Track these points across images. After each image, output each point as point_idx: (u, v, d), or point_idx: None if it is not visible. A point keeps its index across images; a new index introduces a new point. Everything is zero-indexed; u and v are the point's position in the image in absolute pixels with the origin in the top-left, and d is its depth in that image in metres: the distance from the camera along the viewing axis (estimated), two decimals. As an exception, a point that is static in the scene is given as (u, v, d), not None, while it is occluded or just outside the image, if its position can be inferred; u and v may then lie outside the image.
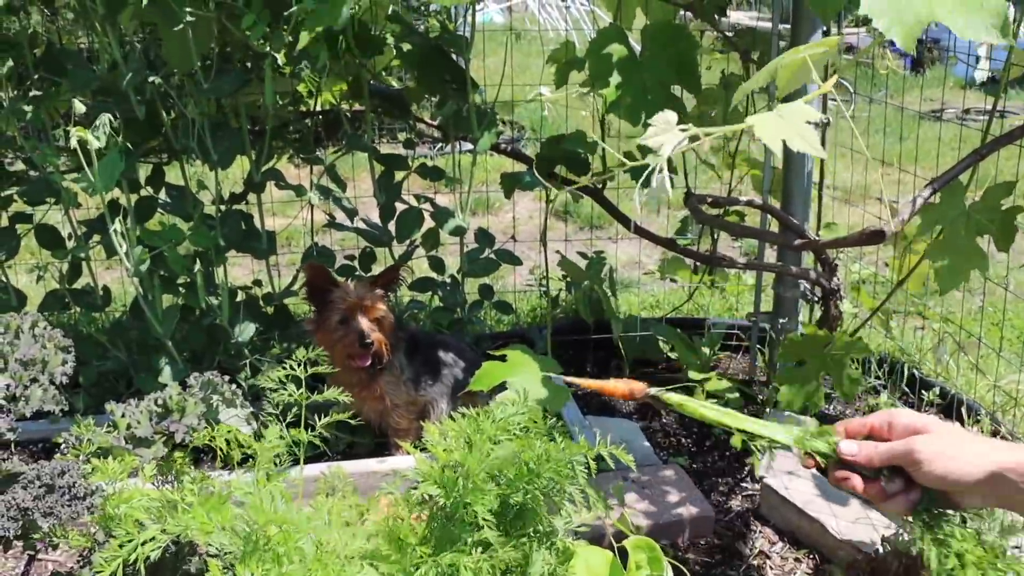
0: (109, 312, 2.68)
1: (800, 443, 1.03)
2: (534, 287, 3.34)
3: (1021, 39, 1.85)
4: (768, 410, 2.46)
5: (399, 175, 2.55)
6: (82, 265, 2.45)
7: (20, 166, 2.41)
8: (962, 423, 2.45)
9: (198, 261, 2.30)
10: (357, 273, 2.60)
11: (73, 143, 1.89)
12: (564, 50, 2.40)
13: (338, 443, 2.30)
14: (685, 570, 1.58)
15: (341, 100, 2.57)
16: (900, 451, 0.97)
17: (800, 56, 1.39)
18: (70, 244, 2.39)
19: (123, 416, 1.56)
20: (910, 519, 1.01)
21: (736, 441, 1.06)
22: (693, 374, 2.61)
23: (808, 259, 2.54)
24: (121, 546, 1.19)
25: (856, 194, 3.51)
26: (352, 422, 1.58)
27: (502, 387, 1.73)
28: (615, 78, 1.89)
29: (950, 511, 1.00)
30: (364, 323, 2.11)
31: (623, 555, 1.48)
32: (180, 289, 2.34)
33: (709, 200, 2.34)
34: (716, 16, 2.28)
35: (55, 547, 1.83)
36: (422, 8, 2.81)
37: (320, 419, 1.53)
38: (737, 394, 2.50)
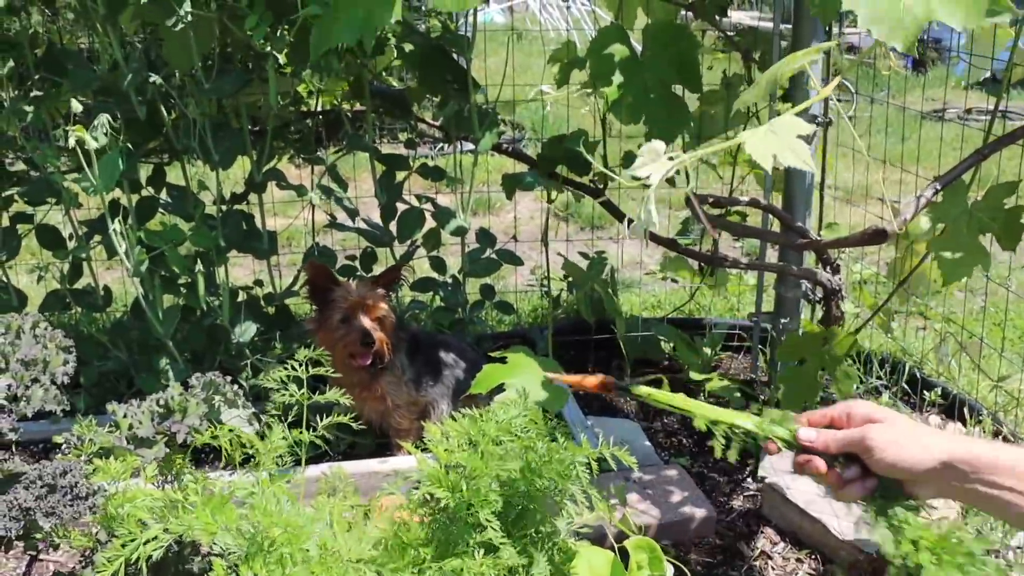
0: (110, 312, 2.68)
1: (761, 428, 1.06)
2: (535, 287, 3.33)
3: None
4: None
5: (400, 175, 2.55)
6: (83, 265, 2.45)
7: (21, 166, 2.41)
8: (964, 423, 2.45)
9: (199, 261, 2.30)
10: (358, 273, 2.59)
11: (71, 143, 1.89)
12: (565, 50, 2.40)
13: (339, 443, 2.30)
14: (687, 570, 1.58)
15: (342, 100, 2.57)
16: (855, 438, 1.00)
17: (797, 64, 1.39)
18: (71, 244, 2.39)
19: (125, 416, 1.55)
20: (865, 505, 1.04)
21: (700, 424, 1.09)
22: (694, 374, 2.61)
23: (810, 259, 2.53)
24: (123, 546, 1.19)
25: (858, 194, 3.51)
26: (354, 425, 1.57)
27: (502, 388, 1.73)
28: (617, 77, 1.89)
29: (906, 499, 1.02)
30: (366, 322, 2.11)
31: (624, 555, 1.48)
32: (181, 289, 2.34)
33: (711, 200, 2.33)
34: (717, 16, 2.28)
35: (56, 547, 1.84)
36: (423, 8, 2.81)
37: (321, 419, 1.53)
38: (739, 394, 2.50)
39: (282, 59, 2.18)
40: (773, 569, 1.96)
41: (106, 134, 1.95)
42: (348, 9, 1.77)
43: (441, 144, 3.05)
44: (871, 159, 1.89)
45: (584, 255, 2.93)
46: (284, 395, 1.49)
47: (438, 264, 2.67)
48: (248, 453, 1.51)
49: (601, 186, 2.50)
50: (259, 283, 2.61)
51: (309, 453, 1.51)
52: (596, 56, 1.93)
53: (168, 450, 1.56)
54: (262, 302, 2.54)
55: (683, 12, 2.27)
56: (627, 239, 3.63)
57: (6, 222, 2.40)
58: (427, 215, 2.52)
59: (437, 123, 2.64)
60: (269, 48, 2.08)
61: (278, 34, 2.07)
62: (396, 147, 3.23)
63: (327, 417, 1.54)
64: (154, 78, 2.12)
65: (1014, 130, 1.76)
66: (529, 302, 3.41)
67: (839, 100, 2.19)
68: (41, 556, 1.89)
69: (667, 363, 2.90)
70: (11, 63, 2.11)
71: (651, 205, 1.06)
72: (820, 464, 1.02)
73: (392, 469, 2.07)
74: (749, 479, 2.26)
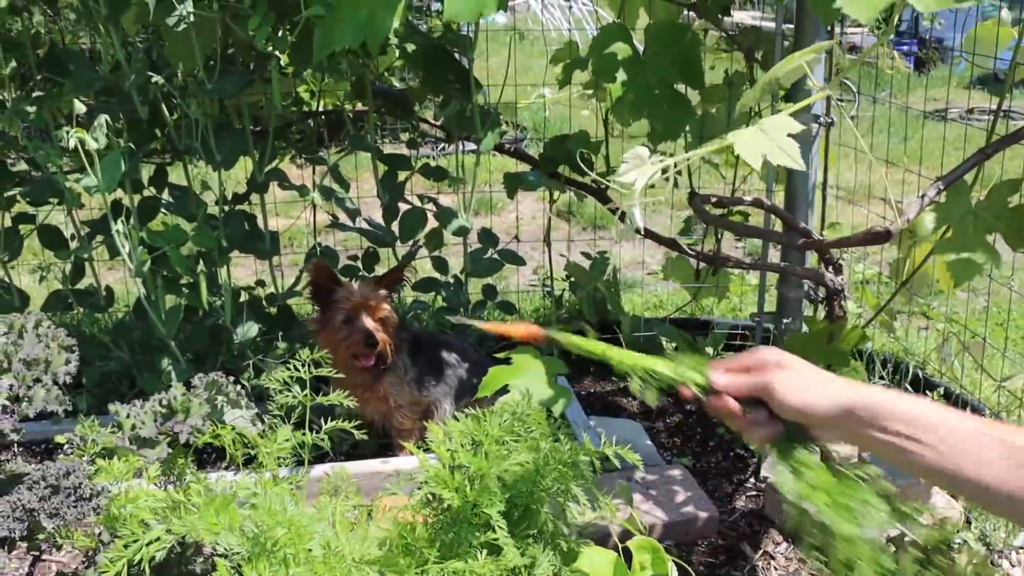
0: (112, 313, 2.68)
1: (676, 374, 1.10)
2: (537, 287, 3.33)
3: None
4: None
5: (402, 175, 2.55)
6: (85, 265, 2.45)
7: (23, 167, 2.41)
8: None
9: (201, 261, 2.30)
10: (361, 273, 2.59)
11: (72, 144, 1.89)
12: (568, 50, 2.40)
13: (342, 444, 2.30)
14: (691, 570, 1.58)
15: (344, 100, 2.57)
16: (761, 383, 1.04)
17: (795, 64, 1.39)
18: (73, 245, 2.39)
19: (128, 416, 1.55)
20: (769, 447, 1.09)
21: (618, 368, 1.15)
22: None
23: (812, 259, 2.53)
24: (126, 546, 1.19)
25: (860, 194, 3.51)
26: (356, 434, 1.57)
27: (507, 389, 1.73)
28: (619, 75, 1.89)
29: (810, 443, 1.07)
30: (369, 323, 2.10)
31: (627, 555, 1.48)
32: (183, 289, 2.34)
33: (713, 200, 2.33)
34: (719, 15, 2.28)
35: (59, 548, 1.84)
36: (425, 8, 2.81)
37: (324, 418, 1.53)
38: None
39: (284, 60, 2.18)
40: (775, 569, 1.96)
41: (107, 135, 1.95)
42: (351, 10, 1.77)
43: (443, 144, 3.05)
44: (874, 158, 1.88)
45: (586, 255, 2.92)
46: (287, 396, 1.49)
47: (440, 264, 2.67)
48: (251, 453, 1.51)
49: (604, 186, 2.49)
50: (261, 283, 2.61)
51: (312, 453, 1.51)
52: (599, 55, 1.93)
53: (171, 450, 1.56)
54: (264, 302, 2.54)
55: (685, 12, 2.27)
56: (629, 239, 3.63)
57: (8, 222, 2.40)
58: (429, 215, 2.52)
59: (439, 123, 2.64)
60: (271, 49, 2.08)
61: (280, 35, 2.06)
62: (398, 147, 3.23)
63: (330, 416, 1.54)
64: (156, 78, 2.12)
65: (1018, 129, 1.76)
66: (531, 302, 3.41)
67: (841, 100, 2.19)
68: (44, 556, 1.89)
69: (669, 363, 2.90)
70: (13, 63, 2.11)
71: (636, 209, 1.07)
72: (732, 404, 1.07)
73: (395, 469, 2.07)
74: (751, 479, 2.26)
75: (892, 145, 3.19)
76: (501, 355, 1.80)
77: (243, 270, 3.19)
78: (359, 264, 2.62)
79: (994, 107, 1.96)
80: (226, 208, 2.36)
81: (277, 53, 2.09)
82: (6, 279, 2.41)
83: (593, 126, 2.63)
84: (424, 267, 2.72)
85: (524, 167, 2.65)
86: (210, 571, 1.42)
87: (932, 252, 1.95)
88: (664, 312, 3.40)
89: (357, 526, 1.35)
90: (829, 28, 2.30)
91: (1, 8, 2.01)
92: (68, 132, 1.88)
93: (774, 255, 2.70)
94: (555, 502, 1.31)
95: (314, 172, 2.59)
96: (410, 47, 2.40)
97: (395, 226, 2.52)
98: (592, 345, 1.16)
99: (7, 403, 1.48)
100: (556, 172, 2.47)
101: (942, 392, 2.57)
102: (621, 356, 1.14)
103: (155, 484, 1.54)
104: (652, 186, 1.13)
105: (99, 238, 2.35)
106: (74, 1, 2.27)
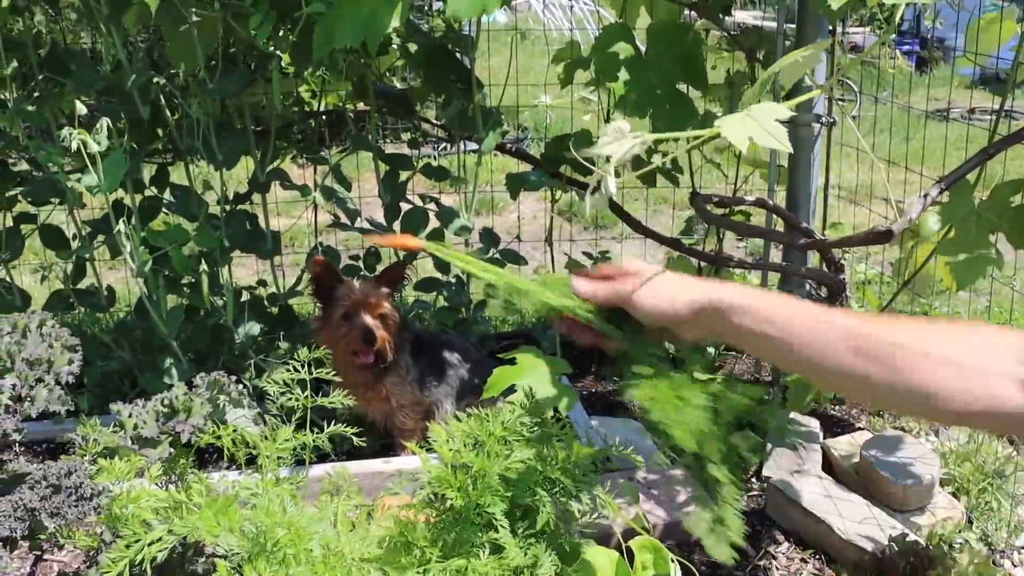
0: (113, 312, 2.68)
1: (541, 283, 1.17)
2: (538, 287, 3.33)
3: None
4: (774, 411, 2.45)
5: (404, 175, 2.55)
6: (86, 265, 2.45)
7: (24, 166, 2.41)
8: (968, 423, 2.44)
9: (203, 261, 2.30)
10: (362, 273, 2.59)
11: (74, 145, 1.89)
12: (569, 49, 2.40)
13: (343, 443, 2.30)
14: (694, 570, 1.58)
15: (346, 100, 2.57)
16: (619, 289, 1.10)
17: (793, 59, 1.39)
18: (74, 244, 2.39)
19: (130, 416, 1.55)
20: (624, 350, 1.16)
21: (481, 285, 1.21)
22: (698, 373, 2.60)
23: (814, 259, 2.53)
24: (128, 546, 1.19)
25: (861, 194, 3.50)
26: (356, 440, 1.56)
27: (511, 388, 1.73)
28: (622, 75, 1.89)
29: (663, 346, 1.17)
30: (368, 320, 2.10)
31: (629, 555, 1.48)
32: (185, 289, 2.34)
33: (715, 200, 2.33)
34: (721, 15, 2.28)
35: (61, 547, 1.84)
36: (426, 8, 2.81)
37: (325, 417, 1.52)
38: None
39: (285, 60, 2.18)
40: (777, 569, 1.96)
41: (109, 137, 1.95)
42: (352, 8, 1.77)
43: (445, 144, 3.05)
44: (875, 158, 1.88)
45: (588, 255, 2.92)
46: (288, 398, 1.49)
47: (442, 264, 2.67)
48: (252, 453, 1.51)
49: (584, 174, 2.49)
50: (263, 283, 2.61)
51: (313, 453, 1.50)
52: (601, 54, 1.93)
53: (172, 450, 1.56)
54: (266, 302, 2.54)
55: (687, 11, 2.27)
56: (630, 239, 3.63)
57: (10, 222, 2.40)
58: (431, 215, 2.52)
59: (440, 123, 2.63)
60: (273, 48, 2.08)
61: (281, 34, 2.06)
62: (399, 147, 3.23)
63: (332, 417, 1.53)
64: (158, 78, 2.12)
65: (1020, 129, 1.76)
66: (532, 302, 3.40)
67: (843, 100, 2.19)
68: (46, 556, 1.89)
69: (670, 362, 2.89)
70: (15, 63, 2.11)
71: (610, 177, 1.08)
72: (596, 290, 1.13)
73: (396, 469, 2.07)
74: (753, 479, 2.26)
75: (894, 145, 3.19)
76: (504, 355, 1.80)
77: (245, 270, 3.19)
78: (360, 264, 2.62)
79: (996, 107, 1.95)
80: (228, 208, 2.36)
81: (278, 53, 2.09)
82: (7, 279, 2.41)
83: (594, 127, 2.62)
84: (426, 267, 2.72)
85: (526, 167, 2.64)
86: (212, 571, 1.42)
87: (934, 252, 1.95)
88: (665, 312, 3.39)
89: (358, 525, 1.35)
90: (831, 28, 2.30)
91: (2, 8, 2.01)
92: (71, 133, 1.88)
93: (776, 255, 2.70)
94: (557, 501, 1.30)
95: (316, 172, 2.59)
96: (412, 47, 2.40)
97: (397, 226, 2.52)
98: (468, 264, 1.26)
99: (10, 403, 1.48)
100: (558, 172, 2.46)
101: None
102: (488, 274, 1.22)
103: (157, 484, 1.54)
104: (651, 182, 1.14)
105: (100, 238, 2.35)
106: (75, 1, 2.27)
